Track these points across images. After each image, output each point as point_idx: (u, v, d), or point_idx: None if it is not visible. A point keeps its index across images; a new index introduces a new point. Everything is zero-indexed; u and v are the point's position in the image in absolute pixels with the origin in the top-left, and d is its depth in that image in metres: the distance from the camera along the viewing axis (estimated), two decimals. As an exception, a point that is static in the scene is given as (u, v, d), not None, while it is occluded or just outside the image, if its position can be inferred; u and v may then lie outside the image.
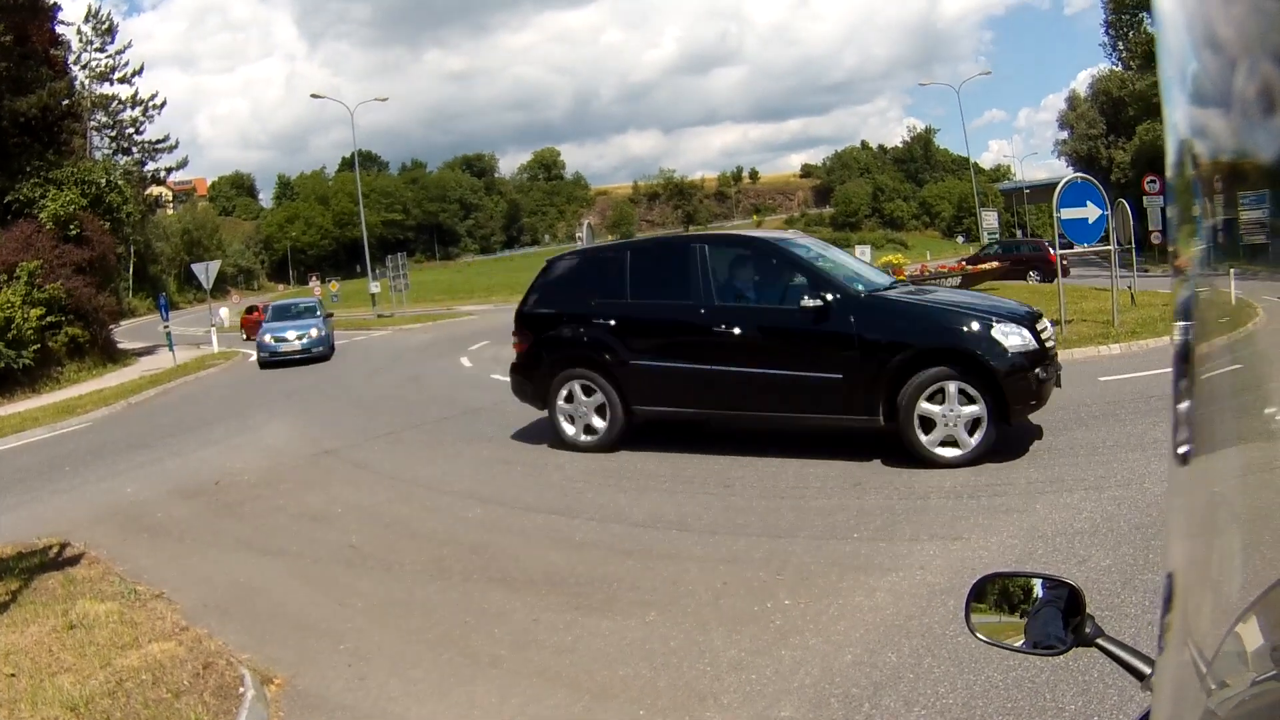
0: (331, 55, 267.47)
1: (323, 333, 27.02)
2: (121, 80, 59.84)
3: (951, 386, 8.44)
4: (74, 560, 8.05)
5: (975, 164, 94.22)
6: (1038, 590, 1.80)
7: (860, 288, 9.36)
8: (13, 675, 5.40)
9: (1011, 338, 8.45)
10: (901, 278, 16.70)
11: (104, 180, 32.79)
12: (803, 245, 10.45)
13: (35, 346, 24.87)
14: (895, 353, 8.67)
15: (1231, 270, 0.88)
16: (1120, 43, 65.91)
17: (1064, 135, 78.04)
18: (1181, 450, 0.89)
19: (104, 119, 59.20)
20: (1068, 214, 16.60)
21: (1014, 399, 8.36)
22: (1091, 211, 16.50)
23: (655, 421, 10.51)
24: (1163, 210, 28.31)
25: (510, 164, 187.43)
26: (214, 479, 11.24)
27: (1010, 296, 12.54)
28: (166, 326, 29.50)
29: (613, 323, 10.37)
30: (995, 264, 33.71)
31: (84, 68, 56.90)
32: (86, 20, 58.78)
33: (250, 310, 42.22)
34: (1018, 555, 6.19)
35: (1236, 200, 0.83)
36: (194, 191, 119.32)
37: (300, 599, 7.12)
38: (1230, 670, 0.92)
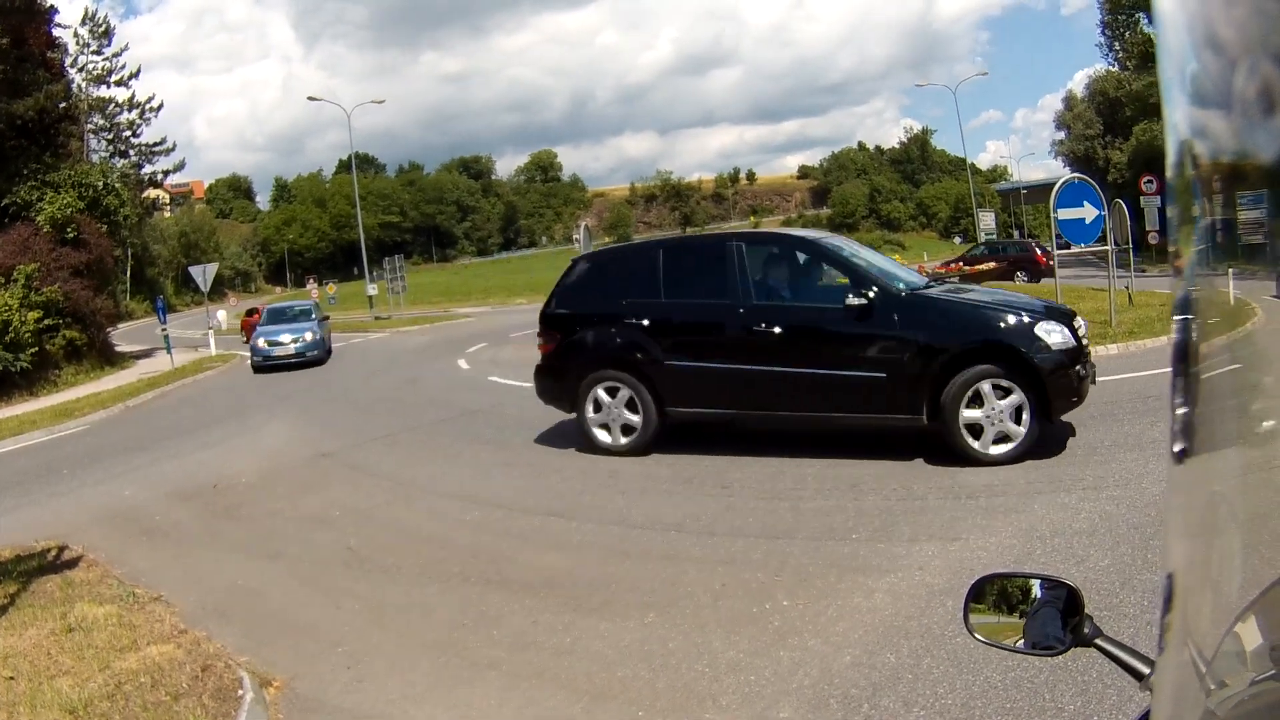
0: (328, 57, 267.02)
1: (317, 336, 26.33)
2: (118, 83, 59.91)
3: (992, 385, 8.42)
4: (72, 563, 8.04)
5: (972, 165, 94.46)
6: (1036, 591, 1.80)
7: (901, 286, 9.31)
8: (11, 678, 5.39)
9: (1054, 335, 8.45)
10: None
11: (101, 183, 32.74)
12: (835, 243, 10.41)
13: (33, 349, 24.82)
14: (940, 351, 8.62)
15: (1230, 270, 0.89)
16: (1117, 43, 65.98)
17: (1061, 136, 78.20)
18: (1180, 450, 0.89)
19: (101, 122, 59.28)
20: (1065, 214, 16.63)
21: (1056, 396, 8.35)
22: (1089, 212, 16.52)
23: (688, 423, 10.30)
24: (1160, 210, 28.38)
25: (507, 166, 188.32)
26: (212, 482, 11.23)
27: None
28: (164, 329, 29.48)
29: (646, 323, 10.15)
30: (993, 264, 33.81)
31: (81, 70, 56.94)
32: (83, 23, 58.85)
33: (250, 313, 42.11)
34: (1016, 556, 6.19)
35: (1235, 200, 0.83)
36: (191, 194, 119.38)
37: (298, 601, 7.12)
38: (1229, 670, 0.92)
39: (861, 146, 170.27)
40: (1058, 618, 1.72)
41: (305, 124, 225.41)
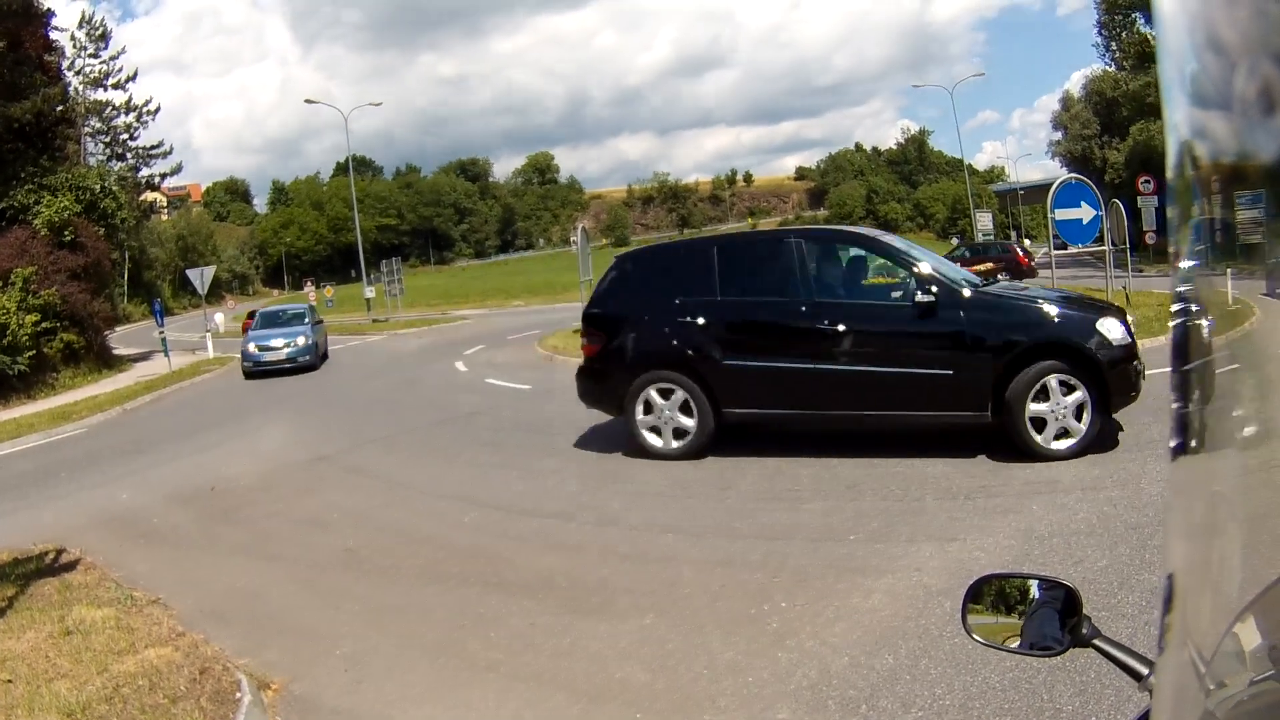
0: (325, 60, 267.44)
1: (310, 341, 25.48)
2: (115, 86, 59.73)
3: (1057, 380, 8.39)
4: (70, 566, 8.03)
5: (969, 165, 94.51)
6: (1034, 591, 1.80)
7: (964, 282, 9.28)
8: (9, 681, 5.38)
9: (1114, 331, 8.45)
10: None
11: (98, 186, 32.75)
12: (891, 239, 10.34)
13: (30, 353, 24.81)
14: (1006, 348, 8.57)
15: (1229, 270, 0.89)
16: (1113, 43, 66.01)
17: (1058, 136, 78.24)
18: (1179, 450, 0.89)
19: (98, 125, 59.16)
20: (1062, 215, 16.66)
21: (1116, 391, 8.34)
22: (1086, 212, 16.56)
23: (745, 424, 10.05)
24: (1157, 210, 28.45)
25: (504, 168, 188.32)
26: (210, 484, 11.21)
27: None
28: (162, 332, 29.46)
29: (701, 321, 9.82)
30: (990, 265, 33.86)
31: (78, 73, 56.73)
32: (80, 26, 58.69)
33: (251, 315, 42.13)
34: (1014, 556, 6.19)
35: (1234, 201, 0.83)
36: (188, 197, 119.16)
37: (296, 604, 7.11)
38: (1229, 670, 0.92)
39: (859, 147, 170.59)
40: (1056, 618, 1.72)
41: (302, 127, 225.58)
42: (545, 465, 10.55)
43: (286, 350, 24.93)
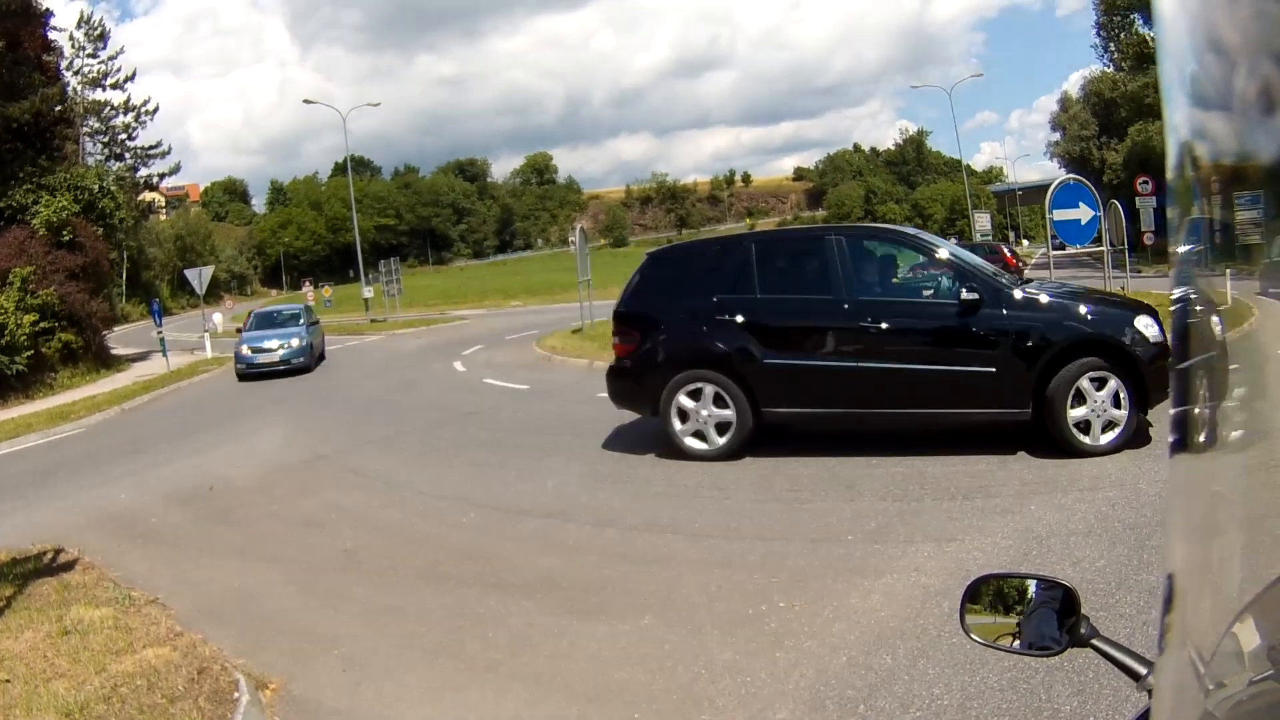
0: (323, 60, 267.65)
1: (304, 343, 24.83)
2: (114, 86, 59.59)
3: (1097, 377, 8.42)
4: (68, 566, 8.03)
5: (967, 166, 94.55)
6: (1032, 591, 1.80)
7: (1005, 280, 9.27)
8: (7, 681, 5.38)
9: (1150, 329, 8.50)
10: None
11: (97, 186, 32.72)
12: (930, 237, 10.33)
13: (29, 353, 24.78)
14: (1048, 345, 8.58)
15: (1228, 270, 0.89)
16: (1112, 44, 65.92)
17: (1056, 137, 78.06)
18: (1179, 450, 0.89)
19: (96, 125, 59.06)
20: (1061, 215, 16.67)
21: (1155, 387, 8.36)
22: (1084, 213, 16.57)
23: (782, 425, 9.94)
24: (1155, 211, 28.44)
25: (503, 168, 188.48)
26: (208, 485, 11.21)
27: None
28: (160, 332, 29.43)
29: (740, 319, 9.67)
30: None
31: (76, 74, 56.64)
32: (79, 26, 58.57)
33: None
34: (1012, 556, 6.20)
35: (1234, 201, 0.83)
36: (187, 197, 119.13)
37: (295, 604, 7.11)
38: (1228, 670, 0.92)
39: (857, 148, 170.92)
40: (1054, 618, 1.72)
41: (301, 127, 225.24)
42: (544, 465, 10.54)
43: (280, 352, 24.36)
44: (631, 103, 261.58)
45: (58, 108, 33.26)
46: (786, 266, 9.98)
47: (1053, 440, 8.56)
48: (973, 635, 1.86)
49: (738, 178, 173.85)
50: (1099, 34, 66.70)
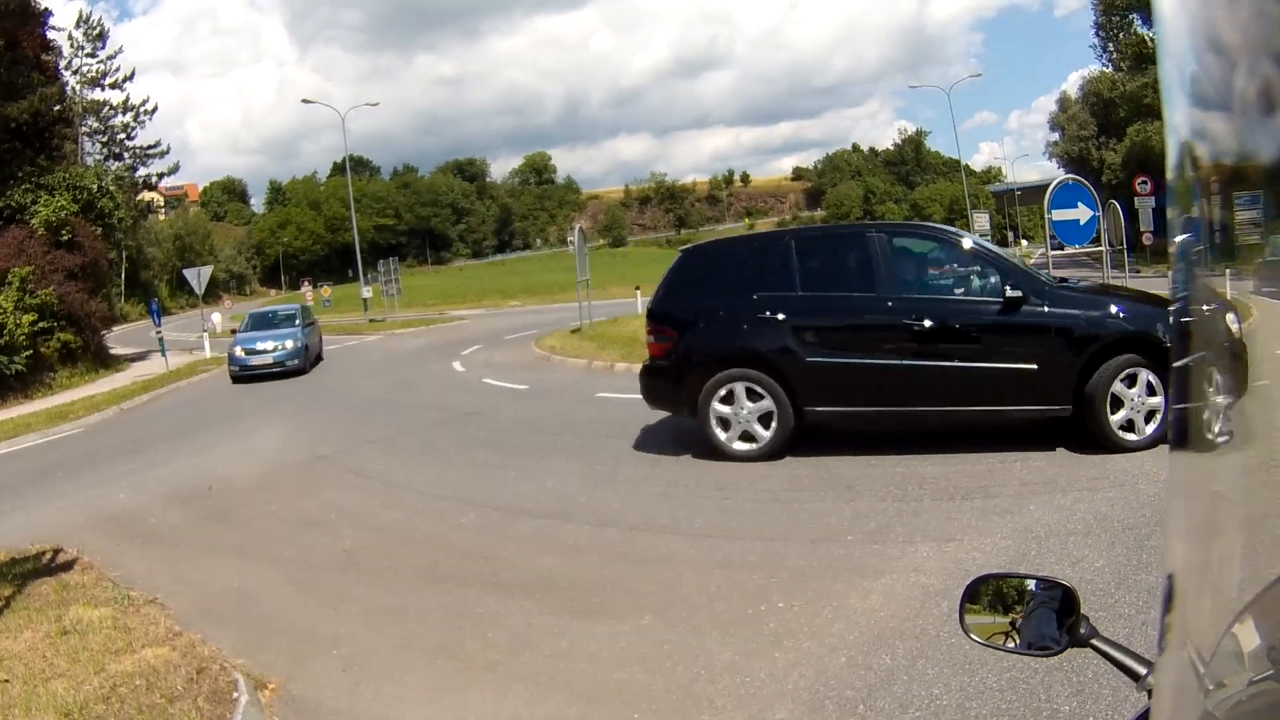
0: (322, 60, 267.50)
1: (299, 344, 24.41)
2: (113, 86, 59.43)
3: (1136, 373, 8.42)
4: (67, 566, 8.03)
5: (966, 166, 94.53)
6: (1032, 591, 1.80)
7: (1045, 278, 9.27)
8: (6, 681, 5.38)
9: None
10: None
11: (95, 186, 32.70)
12: (970, 236, 10.36)
13: (28, 352, 24.80)
14: (1090, 341, 8.57)
15: (1228, 270, 0.89)
16: (1110, 44, 65.91)
17: (1055, 137, 78.08)
18: (1180, 450, 0.89)
19: (95, 124, 58.92)
20: (1059, 215, 16.68)
21: None
22: (1083, 213, 16.58)
23: (824, 424, 9.70)
24: (1154, 211, 28.44)
25: (501, 168, 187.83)
26: (207, 484, 11.21)
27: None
28: (159, 332, 29.43)
29: (781, 317, 9.51)
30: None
31: (75, 73, 56.49)
32: (77, 26, 58.41)
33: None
34: (1011, 556, 6.20)
35: (1233, 201, 0.83)
36: (186, 197, 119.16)
37: (294, 604, 7.10)
38: (1227, 671, 0.92)
39: (856, 148, 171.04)
40: (1053, 618, 1.72)
41: (300, 127, 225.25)
42: (543, 465, 10.53)
43: (274, 354, 23.98)
44: (630, 103, 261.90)
45: (56, 107, 33.26)
46: (827, 264, 9.88)
47: (1091, 437, 8.54)
48: (972, 635, 1.86)
49: (736, 178, 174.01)
50: (1098, 34, 66.69)
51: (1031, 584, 1.81)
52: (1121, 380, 8.42)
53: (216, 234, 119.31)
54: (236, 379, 23.94)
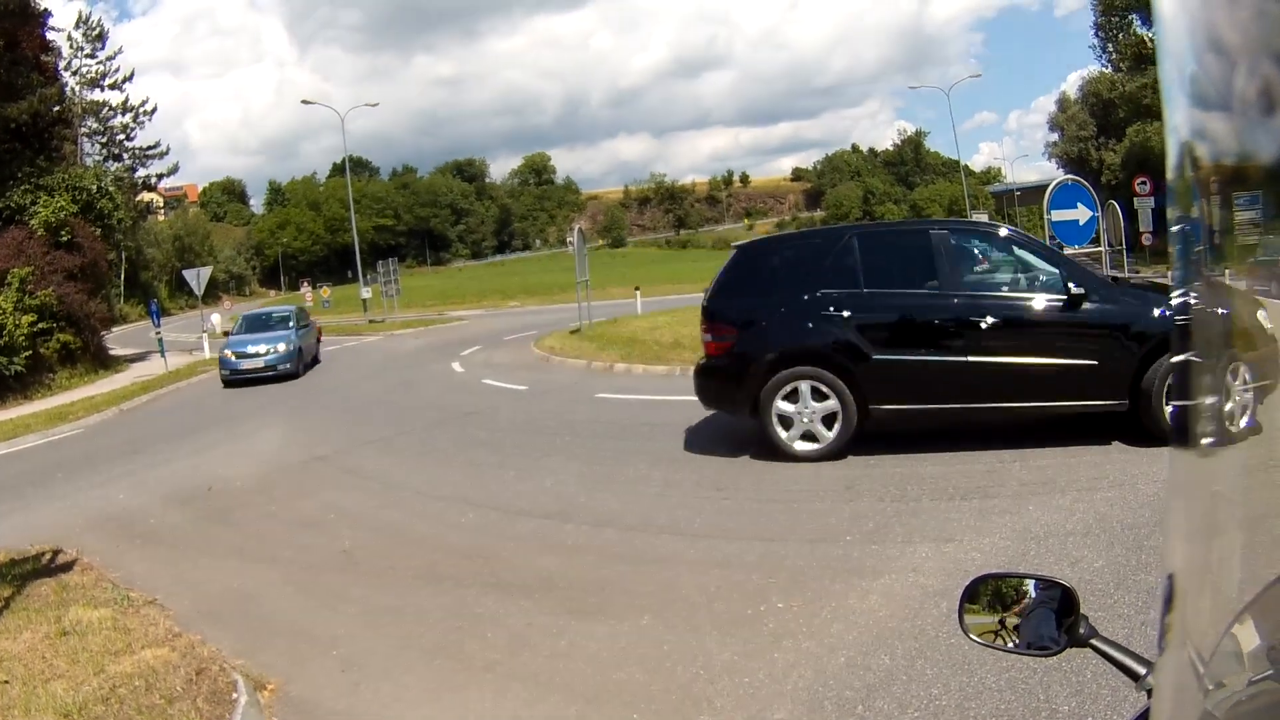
0: (321, 61, 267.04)
1: (292, 347, 23.72)
2: (112, 86, 59.47)
3: None
4: (67, 567, 8.03)
5: (966, 166, 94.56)
6: (1031, 591, 1.80)
7: (1104, 275, 9.32)
8: (5, 682, 5.38)
9: None
10: None
11: (95, 186, 32.72)
12: (1029, 235, 10.40)
13: (27, 353, 24.80)
14: (1147, 337, 8.58)
15: (1228, 270, 0.89)
16: (1110, 44, 65.94)
17: (1054, 137, 78.08)
18: (1181, 450, 0.89)
19: (95, 125, 58.96)
20: (1059, 216, 16.66)
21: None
22: (1082, 213, 16.57)
23: (889, 422, 9.49)
24: (1154, 211, 28.44)
25: (501, 169, 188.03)
26: (206, 485, 11.21)
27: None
28: (158, 332, 29.44)
29: (847, 314, 9.37)
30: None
31: (74, 74, 56.57)
32: (77, 26, 58.45)
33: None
34: (1010, 556, 6.20)
35: (1233, 201, 0.83)
36: (185, 198, 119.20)
37: (293, 605, 7.11)
38: (1227, 671, 0.92)
39: (855, 149, 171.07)
40: (1052, 618, 1.72)
41: (299, 127, 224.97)
42: (542, 466, 10.53)
43: (265, 357, 23.29)
44: (629, 103, 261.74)
45: (56, 108, 33.29)
46: (890, 260, 9.79)
47: (1146, 431, 8.47)
48: (971, 635, 1.86)
49: (736, 178, 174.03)
50: (1097, 34, 66.73)
51: (1030, 584, 1.81)
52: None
53: (216, 235, 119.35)
54: (228, 383, 23.41)
